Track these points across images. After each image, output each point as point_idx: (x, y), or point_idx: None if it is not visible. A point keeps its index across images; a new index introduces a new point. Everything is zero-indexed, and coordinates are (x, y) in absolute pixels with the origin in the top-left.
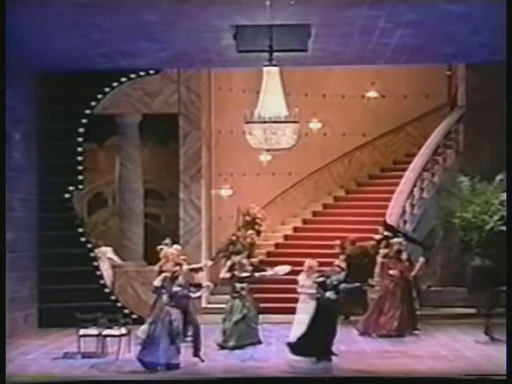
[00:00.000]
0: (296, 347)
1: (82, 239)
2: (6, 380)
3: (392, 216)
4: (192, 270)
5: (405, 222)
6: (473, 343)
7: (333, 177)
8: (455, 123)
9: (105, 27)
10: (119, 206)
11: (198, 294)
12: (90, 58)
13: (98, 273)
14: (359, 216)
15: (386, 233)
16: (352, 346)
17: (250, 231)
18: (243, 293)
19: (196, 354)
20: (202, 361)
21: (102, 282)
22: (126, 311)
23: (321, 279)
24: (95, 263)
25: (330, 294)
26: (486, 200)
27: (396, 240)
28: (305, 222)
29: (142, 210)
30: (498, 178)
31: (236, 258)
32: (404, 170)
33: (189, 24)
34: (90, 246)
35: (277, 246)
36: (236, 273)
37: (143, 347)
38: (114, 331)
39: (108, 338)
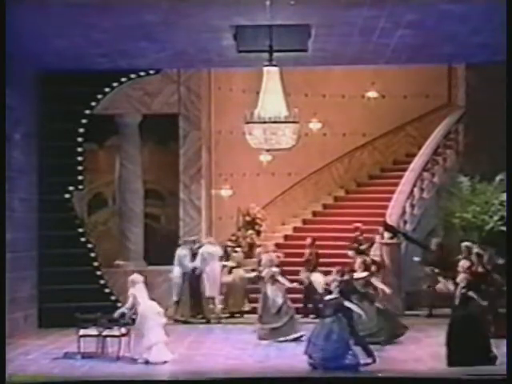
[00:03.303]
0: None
1: (82, 239)
2: (5, 380)
3: (392, 216)
4: None
5: (405, 222)
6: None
7: (333, 177)
8: (455, 123)
9: (105, 27)
10: (119, 206)
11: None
12: (90, 58)
13: (98, 273)
14: (359, 216)
15: (385, 233)
16: None
17: (250, 231)
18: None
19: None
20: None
21: (102, 282)
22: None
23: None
24: (95, 263)
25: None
26: (485, 200)
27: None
28: (305, 222)
29: (141, 210)
30: (498, 178)
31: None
32: (404, 170)
33: (189, 24)
34: (90, 246)
35: (277, 246)
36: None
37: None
38: (114, 331)
39: (108, 338)
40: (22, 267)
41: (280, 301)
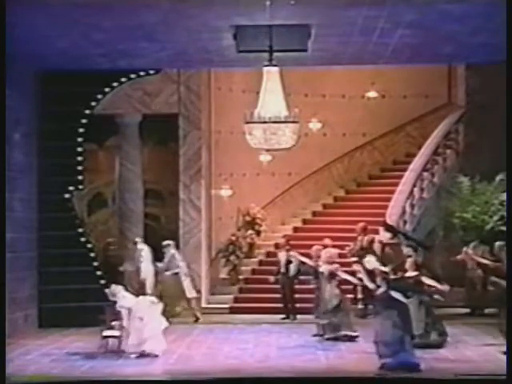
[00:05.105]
0: None
1: (82, 239)
2: (5, 380)
3: (392, 216)
4: None
5: (405, 222)
6: (473, 343)
7: (333, 177)
8: (455, 123)
9: (105, 27)
10: (119, 206)
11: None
12: (90, 58)
13: (98, 273)
14: (359, 216)
15: (386, 233)
16: (352, 346)
17: (250, 231)
18: None
19: None
20: None
21: (102, 282)
22: None
23: None
24: (95, 263)
25: None
26: (485, 200)
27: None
28: (305, 222)
29: (141, 210)
30: (498, 178)
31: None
32: (404, 170)
33: (189, 24)
34: (89, 246)
35: (277, 246)
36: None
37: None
38: (115, 331)
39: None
40: (21, 267)
41: (336, 299)
